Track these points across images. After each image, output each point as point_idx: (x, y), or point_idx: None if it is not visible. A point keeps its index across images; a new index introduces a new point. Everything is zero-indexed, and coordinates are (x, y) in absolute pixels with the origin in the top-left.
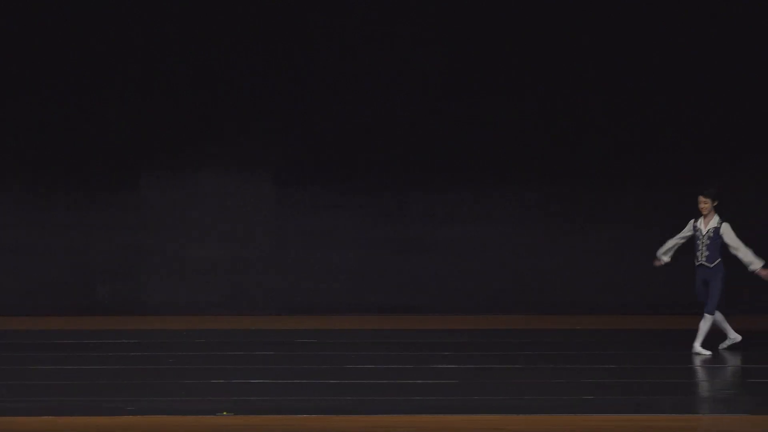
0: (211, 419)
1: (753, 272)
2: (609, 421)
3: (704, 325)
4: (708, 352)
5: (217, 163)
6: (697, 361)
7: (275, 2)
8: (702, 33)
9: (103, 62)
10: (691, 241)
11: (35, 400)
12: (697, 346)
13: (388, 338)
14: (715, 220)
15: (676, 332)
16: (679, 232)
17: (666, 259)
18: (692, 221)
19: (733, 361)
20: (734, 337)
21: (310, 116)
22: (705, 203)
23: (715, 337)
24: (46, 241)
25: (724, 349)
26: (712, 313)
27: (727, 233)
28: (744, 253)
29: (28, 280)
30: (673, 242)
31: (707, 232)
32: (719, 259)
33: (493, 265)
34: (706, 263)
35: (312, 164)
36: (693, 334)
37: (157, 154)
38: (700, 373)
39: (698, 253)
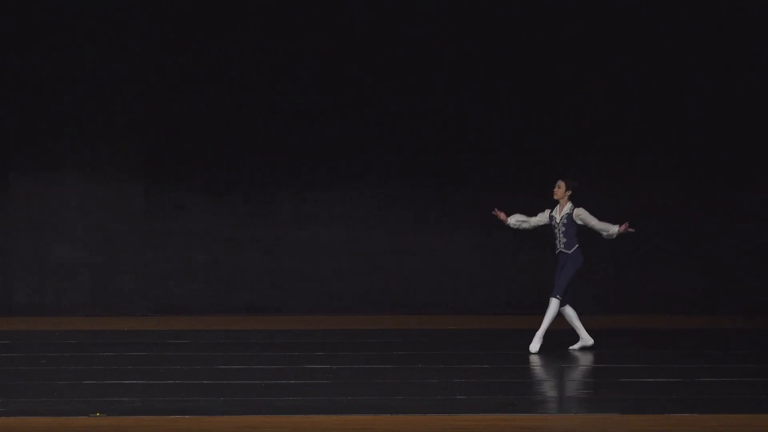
0: (84, 420)
1: (615, 235)
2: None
3: (549, 311)
4: (536, 350)
5: (80, 162)
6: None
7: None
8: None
9: None
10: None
11: None
12: (535, 342)
13: (256, 339)
14: (568, 207)
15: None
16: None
17: (511, 221)
18: (548, 211)
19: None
20: (586, 338)
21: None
22: (560, 188)
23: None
24: None
25: (574, 350)
26: (556, 296)
27: (580, 214)
28: (600, 225)
29: None
30: (523, 218)
31: (561, 219)
32: (577, 245)
33: (356, 265)
34: (564, 250)
35: (175, 163)
36: (569, 333)
37: (24, 153)
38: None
39: (556, 242)
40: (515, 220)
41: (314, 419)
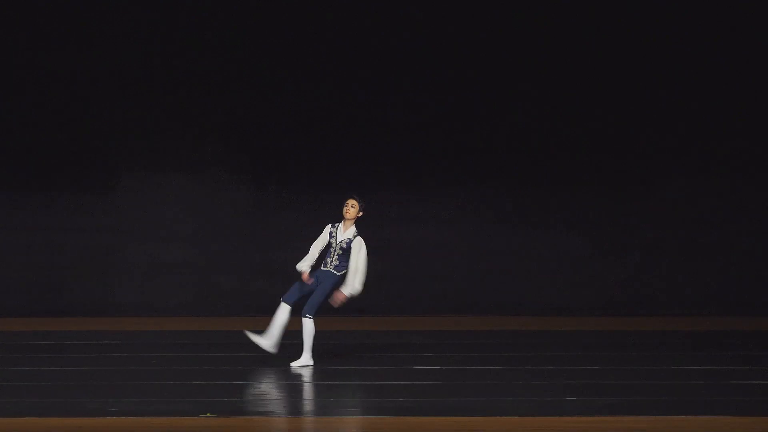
0: (194, 420)
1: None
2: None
3: (306, 330)
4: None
5: (185, 162)
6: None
7: None
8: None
9: (91, 60)
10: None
11: (16, 401)
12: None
13: (364, 340)
14: (351, 231)
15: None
16: (317, 239)
17: (306, 268)
18: (328, 227)
19: None
20: (269, 345)
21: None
22: (354, 207)
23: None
24: (19, 242)
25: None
26: (309, 315)
27: (358, 247)
28: (353, 276)
29: None
30: (316, 251)
31: (341, 242)
32: (345, 271)
33: (460, 266)
34: (333, 271)
35: (279, 164)
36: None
37: (132, 156)
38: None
39: (328, 259)
40: (307, 266)
41: (424, 420)
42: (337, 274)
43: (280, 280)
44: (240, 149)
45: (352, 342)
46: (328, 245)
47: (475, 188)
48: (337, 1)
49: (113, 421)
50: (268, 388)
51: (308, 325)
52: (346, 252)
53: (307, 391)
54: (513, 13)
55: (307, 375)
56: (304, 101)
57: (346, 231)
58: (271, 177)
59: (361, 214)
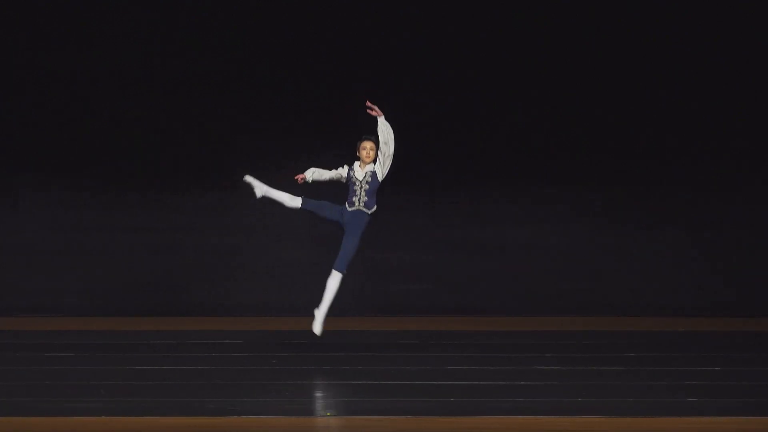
0: (315, 420)
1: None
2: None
3: (332, 284)
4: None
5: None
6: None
7: None
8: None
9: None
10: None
11: (136, 400)
12: (318, 315)
13: (474, 340)
14: (370, 167)
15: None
16: (335, 169)
17: (308, 176)
18: (347, 167)
19: None
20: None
21: None
22: (372, 150)
23: None
24: (139, 242)
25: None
26: (343, 271)
27: (379, 167)
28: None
29: (119, 281)
30: (320, 172)
31: (365, 176)
32: (375, 207)
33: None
34: (364, 209)
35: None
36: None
37: (254, 155)
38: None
39: (355, 199)
40: (311, 175)
41: (542, 420)
42: (368, 212)
43: (397, 281)
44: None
45: (469, 341)
46: (351, 185)
47: (588, 188)
48: None
49: (232, 420)
50: (393, 387)
51: (335, 281)
52: (372, 186)
53: (445, 390)
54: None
55: (437, 374)
56: (439, 102)
57: (364, 169)
58: (391, 177)
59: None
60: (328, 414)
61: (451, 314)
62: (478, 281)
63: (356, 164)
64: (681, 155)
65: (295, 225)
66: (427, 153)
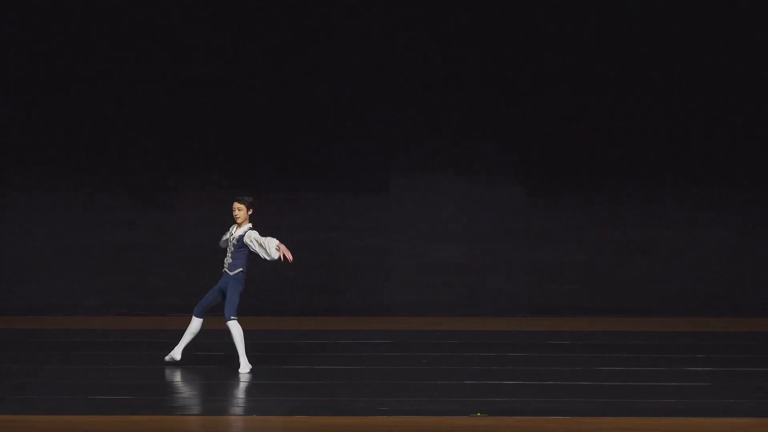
0: (465, 420)
1: (276, 260)
2: None
3: (235, 332)
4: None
5: (457, 163)
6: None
7: None
8: None
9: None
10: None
11: (286, 399)
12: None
13: (630, 341)
14: (244, 228)
15: None
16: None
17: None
18: (233, 226)
19: None
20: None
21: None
22: (239, 210)
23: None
24: (295, 242)
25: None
26: (230, 318)
27: (251, 237)
28: (265, 252)
29: (275, 281)
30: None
31: (233, 239)
32: (241, 270)
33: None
34: (227, 270)
35: (550, 165)
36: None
37: (404, 156)
38: None
39: (225, 259)
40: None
41: (693, 422)
42: (231, 273)
43: (548, 281)
44: (509, 149)
45: (619, 342)
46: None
47: (737, 188)
48: None
49: (383, 420)
50: (543, 387)
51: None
52: (237, 249)
53: (579, 391)
54: None
55: (560, 375)
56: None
57: (239, 230)
58: (540, 177)
59: (251, 211)
60: (478, 414)
61: (601, 315)
62: (629, 281)
63: (236, 225)
64: None
65: (447, 225)
66: (580, 155)
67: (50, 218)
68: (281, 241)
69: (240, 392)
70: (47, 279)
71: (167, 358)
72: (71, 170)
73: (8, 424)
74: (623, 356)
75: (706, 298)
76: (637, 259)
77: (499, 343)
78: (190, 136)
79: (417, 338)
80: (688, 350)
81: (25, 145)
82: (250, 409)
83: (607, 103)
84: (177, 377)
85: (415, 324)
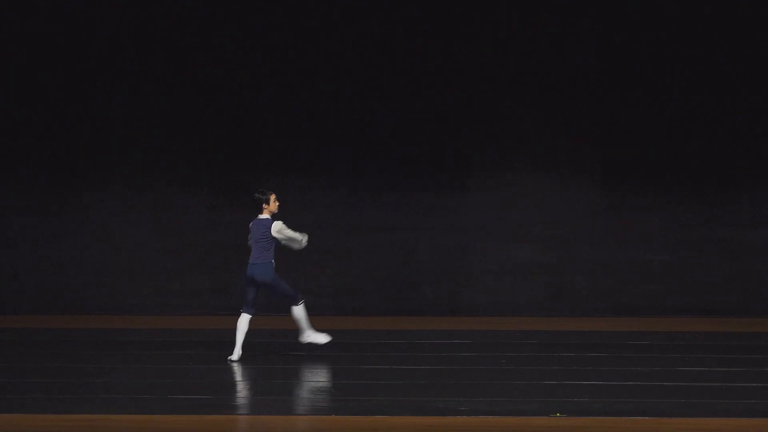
0: (544, 420)
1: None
2: None
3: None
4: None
5: (536, 162)
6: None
7: None
8: None
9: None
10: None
11: (366, 399)
12: (307, 336)
13: (712, 341)
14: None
15: None
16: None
17: None
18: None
19: None
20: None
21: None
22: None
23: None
24: (373, 242)
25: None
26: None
27: (277, 228)
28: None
29: (352, 280)
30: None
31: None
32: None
33: None
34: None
35: (629, 164)
36: None
37: (484, 155)
38: None
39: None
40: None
41: (760, 423)
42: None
43: (628, 281)
44: (590, 149)
45: (700, 342)
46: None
47: None
48: None
49: (462, 420)
50: (615, 389)
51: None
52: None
53: (659, 392)
54: None
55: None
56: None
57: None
58: (620, 177)
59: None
60: (558, 414)
61: (682, 315)
62: (711, 281)
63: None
64: None
65: (526, 225)
66: (660, 154)
67: (131, 218)
68: (365, 241)
69: (321, 392)
70: (128, 279)
71: (230, 358)
72: (152, 170)
73: (92, 423)
74: (706, 357)
75: None
76: (719, 259)
77: (578, 344)
78: (270, 136)
79: (496, 338)
80: None
81: (105, 146)
82: (331, 409)
83: (687, 103)
84: (257, 377)
85: (494, 324)
